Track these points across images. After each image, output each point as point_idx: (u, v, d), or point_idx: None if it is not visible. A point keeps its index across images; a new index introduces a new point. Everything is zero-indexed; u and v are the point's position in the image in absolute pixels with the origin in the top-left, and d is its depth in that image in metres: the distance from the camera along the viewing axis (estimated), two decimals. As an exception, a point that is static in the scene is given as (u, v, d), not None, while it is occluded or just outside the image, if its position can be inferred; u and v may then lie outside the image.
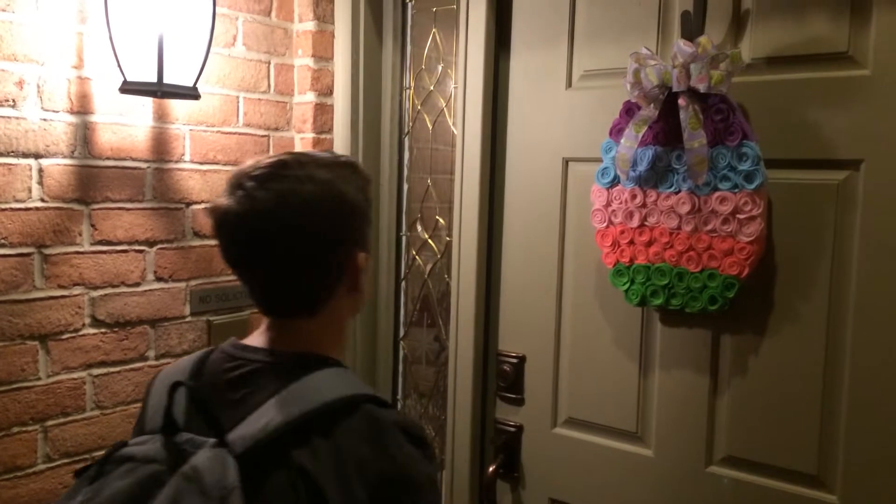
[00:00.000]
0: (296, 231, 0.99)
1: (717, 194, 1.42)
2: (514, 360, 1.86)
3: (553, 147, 1.77)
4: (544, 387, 1.82)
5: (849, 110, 1.38)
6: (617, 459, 1.70)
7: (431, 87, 2.10)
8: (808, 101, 1.42)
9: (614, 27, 1.65)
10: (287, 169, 1.00)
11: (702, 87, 1.38)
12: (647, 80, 1.43)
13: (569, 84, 1.74)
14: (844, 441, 1.42)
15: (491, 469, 1.87)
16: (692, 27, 1.45)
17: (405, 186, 2.18)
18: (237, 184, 1.01)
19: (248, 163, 1.04)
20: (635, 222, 1.54)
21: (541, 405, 1.82)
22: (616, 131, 1.55)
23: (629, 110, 1.52)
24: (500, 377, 1.88)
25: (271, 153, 1.03)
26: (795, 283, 1.46)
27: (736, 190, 1.40)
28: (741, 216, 1.40)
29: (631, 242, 1.55)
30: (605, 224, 1.59)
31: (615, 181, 1.57)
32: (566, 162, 1.75)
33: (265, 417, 0.94)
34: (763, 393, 1.51)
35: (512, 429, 1.87)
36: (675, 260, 1.49)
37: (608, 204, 1.59)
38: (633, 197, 1.54)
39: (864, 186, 1.38)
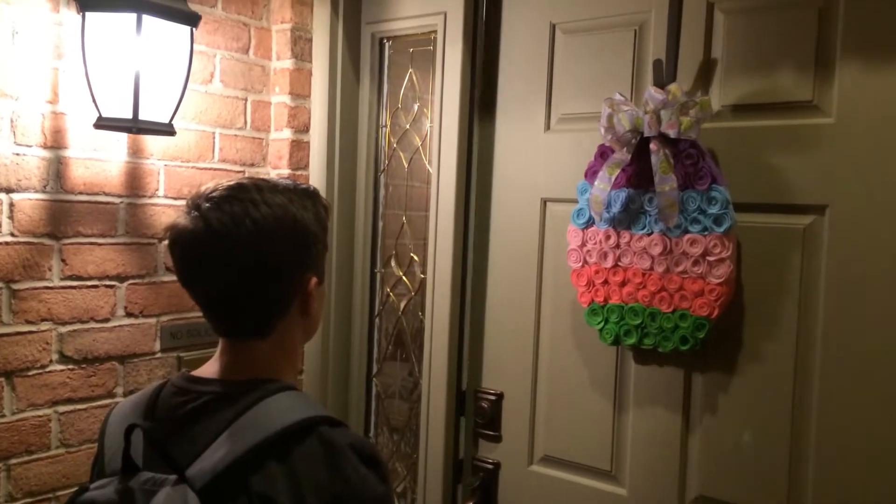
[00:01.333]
0: (246, 253, 1.01)
1: (687, 237, 1.45)
2: (493, 398, 1.86)
3: (532, 188, 1.79)
4: (521, 424, 1.82)
5: (814, 157, 1.42)
6: (592, 498, 1.70)
7: (407, 126, 2.12)
8: (776, 148, 1.46)
9: (592, 73, 1.69)
10: (243, 192, 1.03)
11: (671, 133, 1.41)
12: (619, 124, 1.46)
13: (547, 127, 1.77)
14: (813, 481, 1.43)
15: None
16: (664, 75, 1.49)
17: (380, 223, 2.19)
18: (194, 204, 1.03)
19: (209, 185, 1.06)
20: (609, 262, 1.56)
21: (518, 443, 1.82)
22: (591, 173, 1.58)
23: (603, 153, 1.56)
24: (479, 414, 1.87)
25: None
26: (765, 324, 1.48)
27: (706, 233, 1.43)
28: (711, 258, 1.43)
29: (605, 282, 1.57)
30: (580, 264, 1.61)
31: (590, 222, 1.59)
32: (544, 202, 1.77)
33: (222, 449, 0.96)
34: (734, 432, 1.52)
35: (489, 466, 1.86)
36: (648, 300, 1.51)
37: (583, 244, 1.61)
38: (608, 238, 1.56)
39: (828, 231, 1.41)
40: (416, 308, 2.11)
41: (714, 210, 1.42)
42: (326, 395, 2.15)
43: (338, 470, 0.97)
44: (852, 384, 1.39)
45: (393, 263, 2.17)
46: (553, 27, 1.76)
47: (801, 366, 1.45)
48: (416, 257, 2.11)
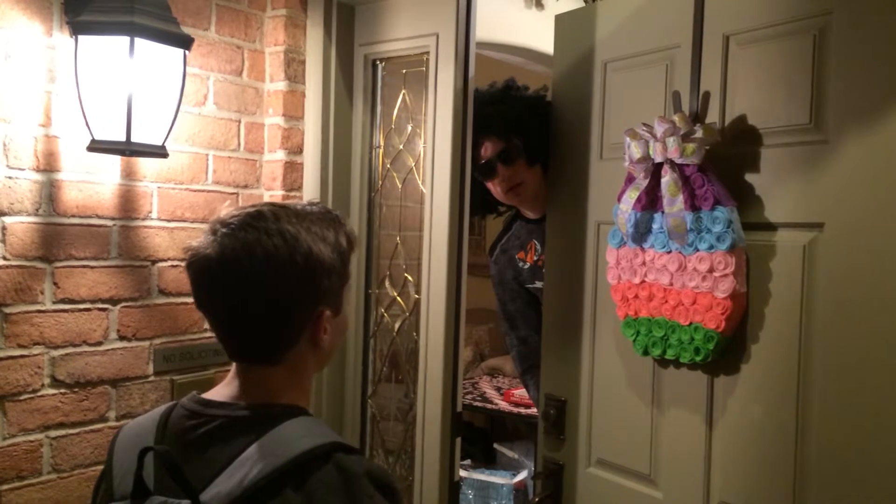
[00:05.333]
0: (255, 283, 1.01)
1: (697, 254, 1.55)
2: (558, 403, 1.94)
3: (589, 209, 1.89)
4: (580, 429, 1.90)
5: (812, 177, 1.45)
6: (635, 501, 1.76)
7: (401, 147, 2.13)
8: (779, 169, 1.51)
9: (634, 105, 1.77)
10: (259, 220, 1.03)
11: (676, 158, 1.52)
12: (633, 153, 1.59)
13: (600, 156, 1.87)
14: (816, 493, 1.44)
15: (537, 500, 1.96)
16: (689, 104, 1.61)
17: (374, 244, 2.19)
18: (212, 228, 1.04)
19: (230, 209, 1.07)
20: (638, 279, 1.68)
21: (578, 446, 1.90)
22: (621, 197, 1.69)
23: (630, 178, 1.67)
24: (545, 418, 1.97)
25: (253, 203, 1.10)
26: (773, 337, 1.52)
27: (712, 250, 1.52)
28: (717, 274, 1.52)
29: (636, 297, 1.69)
30: (616, 281, 1.74)
31: (623, 242, 1.71)
32: (598, 225, 1.86)
33: (239, 473, 0.95)
34: (747, 442, 1.55)
35: (556, 466, 1.94)
36: (670, 314, 1.62)
37: (618, 262, 1.73)
38: (636, 256, 1.68)
39: (826, 247, 1.43)
40: (411, 329, 2.10)
41: (717, 229, 1.50)
42: (321, 416, 2.14)
43: (354, 499, 0.97)
44: (849, 391, 1.40)
45: (387, 284, 2.17)
46: (604, 65, 1.85)
47: (803, 379, 1.47)
48: (410, 277, 2.11)
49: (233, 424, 1.02)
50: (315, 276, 1.05)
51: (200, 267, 1.04)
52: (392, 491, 1.02)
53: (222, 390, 1.09)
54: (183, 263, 1.07)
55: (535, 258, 2.21)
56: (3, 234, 1.62)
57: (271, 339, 1.06)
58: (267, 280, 1.01)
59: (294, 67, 2.12)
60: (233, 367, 1.10)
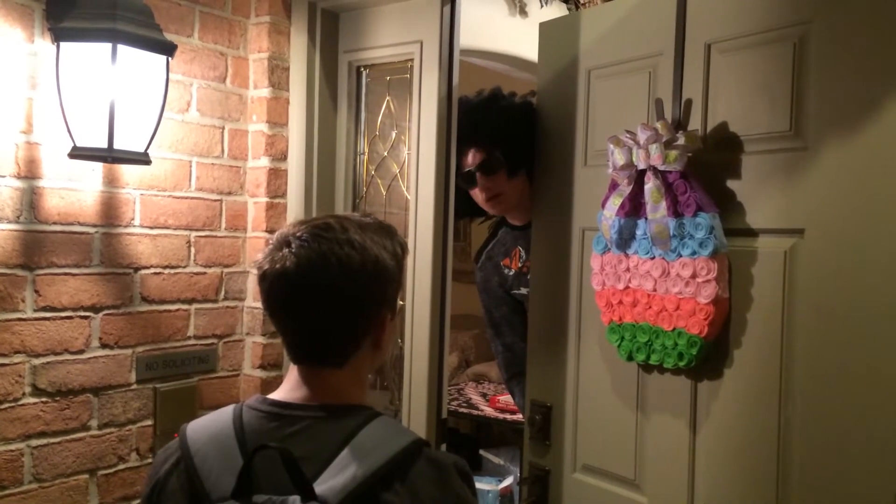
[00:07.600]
0: (332, 290, 1.09)
1: (680, 260, 1.56)
2: (544, 409, 1.94)
3: (574, 215, 1.90)
4: (566, 435, 1.90)
5: (792, 184, 1.46)
6: None
7: (385, 153, 2.13)
8: (758, 176, 1.52)
9: (618, 113, 1.78)
10: (329, 231, 1.10)
11: (659, 165, 1.54)
12: (616, 160, 1.60)
13: (584, 163, 1.87)
14: (799, 496, 1.45)
15: None
16: (672, 112, 1.61)
17: (359, 250, 2.18)
18: (284, 241, 1.10)
19: (296, 223, 1.14)
20: (622, 285, 1.69)
21: (563, 452, 1.91)
22: (604, 204, 1.70)
23: (614, 185, 1.68)
24: (531, 424, 1.97)
25: (312, 217, 1.17)
26: (755, 342, 1.52)
27: (694, 256, 1.53)
28: (699, 280, 1.53)
29: (620, 303, 1.70)
30: (600, 287, 1.74)
31: (606, 248, 1.73)
32: (583, 231, 1.87)
33: (349, 469, 1.02)
34: (731, 446, 1.55)
35: (542, 472, 1.95)
36: (653, 319, 1.62)
37: (602, 268, 1.74)
38: (620, 262, 1.69)
39: (806, 253, 1.44)
40: (396, 335, 2.10)
41: (700, 235, 1.51)
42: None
43: (447, 486, 1.09)
44: (830, 394, 1.42)
45: (372, 290, 2.16)
46: (588, 72, 1.86)
47: (785, 385, 1.48)
48: (395, 284, 2.11)
49: (319, 424, 1.09)
50: (382, 283, 1.13)
51: (278, 277, 1.08)
52: (470, 478, 1.13)
53: (292, 393, 1.13)
54: (250, 271, 1.12)
55: (520, 265, 2.21)
56: (-16, 242, 1.60)
57: (343, 343, 1.13)
58: (343, 287, 1.09)
59: (278, 74, 2.12)
60: (293, 371, 1.15)
